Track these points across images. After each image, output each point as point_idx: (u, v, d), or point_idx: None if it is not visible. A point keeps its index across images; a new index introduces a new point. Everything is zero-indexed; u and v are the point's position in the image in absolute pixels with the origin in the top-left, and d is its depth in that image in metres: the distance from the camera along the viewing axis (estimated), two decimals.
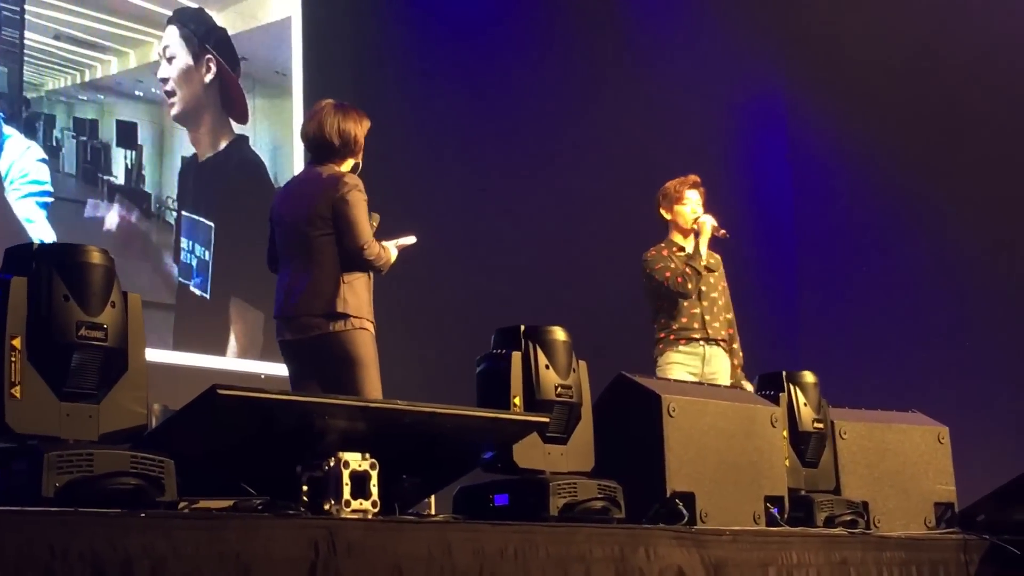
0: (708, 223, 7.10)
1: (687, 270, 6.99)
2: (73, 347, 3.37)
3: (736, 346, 7.21)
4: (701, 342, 7.01)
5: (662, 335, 7.05)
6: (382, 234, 5.71)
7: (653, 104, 10.51)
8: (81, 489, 3.18)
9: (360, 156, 5.75)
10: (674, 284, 6.97)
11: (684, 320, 7.02)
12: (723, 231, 7.12)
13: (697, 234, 7.13)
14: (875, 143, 10.28)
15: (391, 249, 5.69)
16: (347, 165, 5.71)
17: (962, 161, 9.82)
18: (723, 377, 6.98)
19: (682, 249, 7.11)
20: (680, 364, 6.96)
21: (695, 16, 10.76)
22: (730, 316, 7.21)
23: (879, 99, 10.26)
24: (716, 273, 7.16)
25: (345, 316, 5.47)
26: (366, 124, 5.75)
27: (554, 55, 10.48)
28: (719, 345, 7.05)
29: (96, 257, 3.47)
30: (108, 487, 3.22)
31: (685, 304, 7.03)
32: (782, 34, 10.65)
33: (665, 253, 7.10)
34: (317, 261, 5.54)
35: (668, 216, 7.21)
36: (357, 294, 5.53)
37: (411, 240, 5.81)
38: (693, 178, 7.20)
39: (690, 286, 6.98)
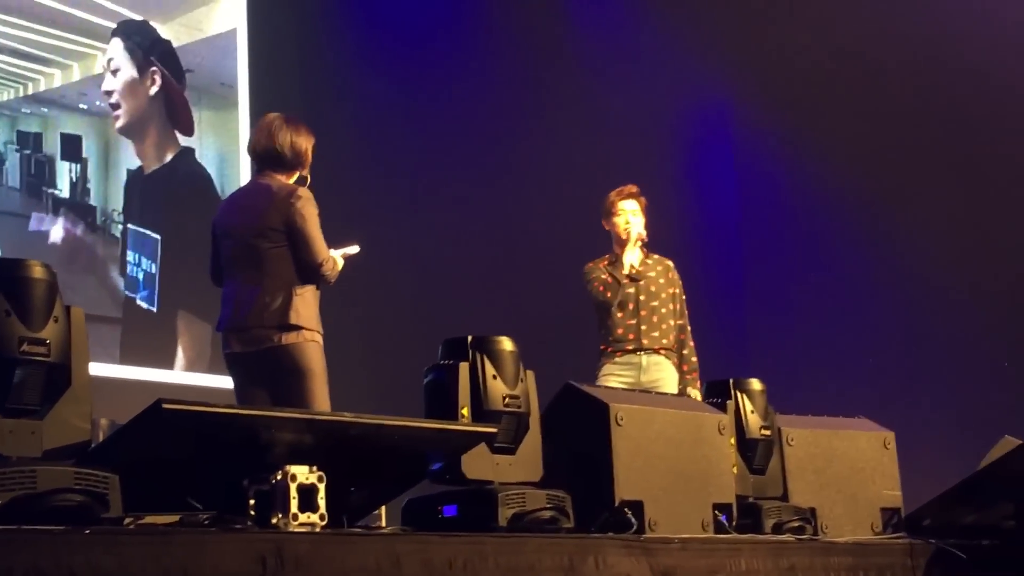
0: (633, 232, 7.12)
1: (608, 279, 7.04)
2: (15, 362, 3.34)
3: (686, 352, 7.22)
4: (637, 352, 7.04)
5: (601, 347, 7.12)
6: (328, 244, 5.70)
7: (599, 113, 10.55)
8: (24, 506, 3.16)
9: (307, 170, 5.76)
10: (597, 294, 7.04)
11: (619, 332, 7.06)
12: (643, 237, 7.13)
13: (647, 249, 7.18)
14: (820, 151, 10.35)
15: (338, 260, 5.70)
16: (293, 178, 5.71)
17: (907, 169, 9.90)
18: (667, 385, 7.00)
19: (619, 258, 7.15)
20: (614, 375, 6.99)
21: (641, 26, 10.81)
22: (680, 323, 7.22)
23: (823, 107, 10.33)
24: (660, 281, 7.17)
25: (297, 328, 5.47)
26: (312, 140, 5.77)
27: (500, 64, 10.50)
28: (659, 354, 7.07)
29: (38, 272, 3.44)
30: (52, 503, 3.19)
31: (620, 315, 7.06)
32: (727, 43, 10.71)
33: (603, 264, 7.15)
34: (268, 273, 5.53)
35: (608, 227, 7.25)
36: (308, 305, 5.54)
37: (355, 249, 5.82)
38: (628, 189, 7.22)
39: (609, 295, 7.03)
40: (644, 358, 7.04)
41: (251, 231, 5.59)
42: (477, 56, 10.46)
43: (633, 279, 7.08)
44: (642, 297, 7.10)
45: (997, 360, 9.27)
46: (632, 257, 7.10)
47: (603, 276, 7.08)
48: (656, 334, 7.07)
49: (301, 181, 5.76)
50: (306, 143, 5.72)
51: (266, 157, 5.72)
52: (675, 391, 6.97)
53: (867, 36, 10.07)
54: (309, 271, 5.55)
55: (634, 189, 7.22)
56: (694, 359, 7.24)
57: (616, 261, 7.15)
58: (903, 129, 9.92)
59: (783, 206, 10.80)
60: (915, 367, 9.65)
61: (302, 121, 5.81)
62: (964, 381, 9.34)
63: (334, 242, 5.76)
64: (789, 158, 10.68)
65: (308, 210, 5.55)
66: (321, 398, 5.46)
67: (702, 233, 10.91)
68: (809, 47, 10.37)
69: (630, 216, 7.16)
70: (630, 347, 7.05)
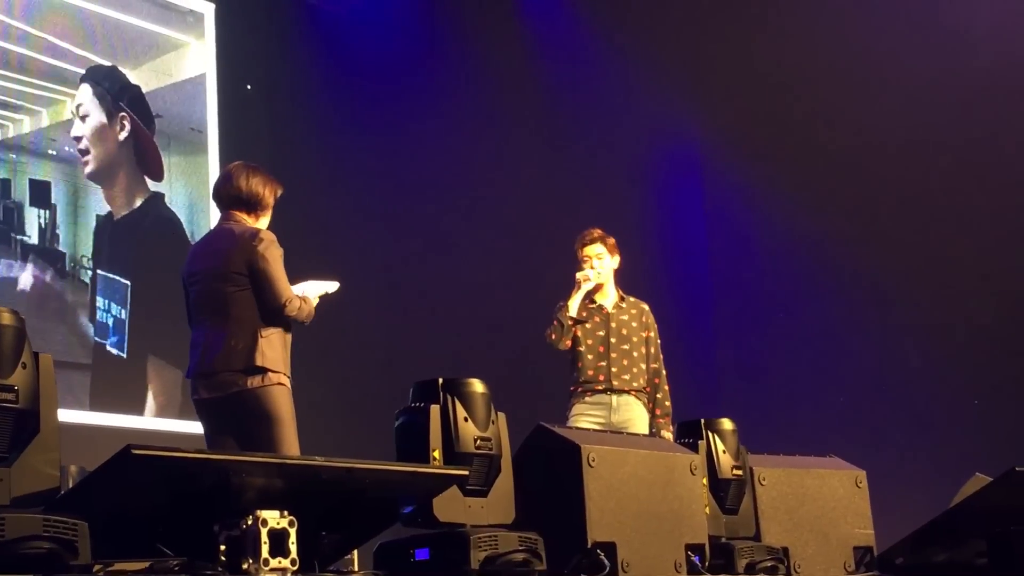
0: (581, 278, 7.15)
1: (555, 322, 7.07)
2: None
3: (660, 396, 7.19)
4: (608, 392, 7.03)
5: (571, 388, 7.12)
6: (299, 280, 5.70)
7: (568, 156, 10.59)
8: None
9: (269, 216, 5.74)
10: (547, 339, 7.08)
11: (590, 373, 7.06)
12: (586, 281, 7.14)
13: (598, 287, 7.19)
14: (788, 192, 10.40)
15: (312, 300, 5.68)
16: (260, 223, 5.69)
17: (875, 210, 9.95)
18: (637, 425, 6.99)
19: (593, 302, 7.17)
20: (585, 415, 6.98)
21: (610, 70, 10.86)
22: (655, 366, 7.20)
23: (791, 148, 10.39)
24: (633, 325, 7.17)
25: (263, 371, 5.43)
26: (277, 189, 5.75)
27: (471, 108, 10.53)
28: (629, 394, 7.06)
29: (6, 318, 3.43)
30: (20, 552, 3.17)
31: (590, 357, 7.08)
32: (695, 87, 10.76)
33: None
34: (233, 316, 5.50)
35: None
36: (274, 348, 5.50)
37: (334, 286, 5.81)
38: (587, 236, 7.21)
39: (554, 336, 7.08)
40: (614, 398, 7.04)
41: (215, 275, 5.57)
42: (446, 101, 10.49)
43: (578, 321, 7.07)
44: (613, 339, 7.10)
45: (967, 398, 9.31)
46: (576, 302, 7.12)
47: (554, 321, 7.10)
48: (627, 376, 7.06)
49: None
50: (263, 187, 5.70)
51: (226, 199, 5.72)
52: (645, 432, 6.96)
53: (834, 80, 10.14)
54: (272, 313, 5.52)
55: (594, 234, 7.22)
56: (668, 403, 7.22)
57: (593, 303, 7.16)
58: (871, 170, 9.98)
59: (752, 247, 10.84)
60: (886, 406, 9.68)
61: (264, 170, 5.81)
62: (935, 419, 9.37)
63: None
64: (758, 199, 10.72)
65: (271, 252, 5.54)
66: (289, 443, 5.42)
67: (672, 274, 10.94)
68: (776, 91, 10.43)
69: (594, 260, 7.17)
70: (600, 387, 7.05)
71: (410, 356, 9.08)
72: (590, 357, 7.07)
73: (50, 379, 3.50)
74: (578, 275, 7.15)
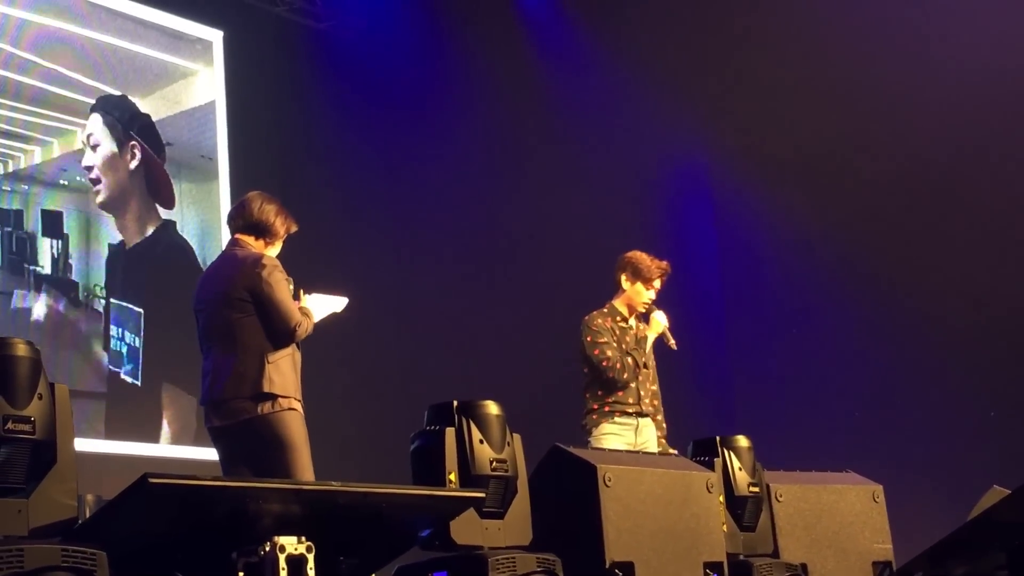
0: (662, 323, 7.03)
1: (628, 361, 6.91)
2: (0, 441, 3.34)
3: (660, 417, 7.14)
4: (635, 415, 6.94)
5: (595, 406, 6.92)
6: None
7: (580, 174, 10.59)
8: None
9: (278, 247, 5.73)
10: (613, 371, 6.80)
11: (620, 394, 6.89)
12: (673, 342, 7.07)
13: (643, 319, 7.07)
14: (798, 207, 10.39)
15: (313, 314, 5.65)
16: (268, 252, 5.68)
17: (886, 223, 9.94)
18: (652, 447, 6.95)
19: (625, 320, 7.02)
20: (615, 435, 6.85)
21: (619, 88, 10.87)
22: (655, 388, 7.16)
23: (801, 164, 10.37)
24: (648, 351, 7.13)
25: (272, 397, 5.41)
26: (291, 224, 5.74)
27: (481, 130, 10.55)
28: (647, 416, 7.01)
29: (21, 349, 3.44)
30: None
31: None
32: (705, 104, 10.76)
33: (608, 324, 6.97)
34: (240, 343, 5.49)
35: (626, 286, 7.07)
36: (283, 373, 5.49)
37: (343, 302, 5.79)
38: (667, 267, 7.12)
39: (626, 376, 6.85)
40: (640, 420, 6.96)
41: (220, 302, 5.56)
42: (456, 124, 10.50)
43: (645, 365, 7.01)
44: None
45: (984, 410, 9.28)
46: (650, 343, 7.05)
47: (615, 343, 6.90)
48: (647, 398, 7.02)
49: None
50: (274, 216, 5.69)
51: (236, 224, 5.73)
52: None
53: (843, 96, 10.14)
54: (281, 337, 5.50)
55: (670, 269, 7.13)
56: (665, 425, 7.17)
57: (625, 321, 7.01)
58: (883, 184, 9.97)
59: (764, 263, 10.82)
60: (902, 419, 9.64)
61: (280, 202, 5.81)
62: (951, 432, 9.33)
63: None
64: (768, 216, 10.71)
65: (274, 277, 5.53)
66: (303, 468, 5.40)
67: (685, 291, 10.91)
68: (786, 108, 10.43)
69: (654, 293, 7.07)
70: (630, 409, 6.92)
71: (425, 379, 9.07)
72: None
73: (66, 410, 3.51)
74: (662, 321, 7.04)
